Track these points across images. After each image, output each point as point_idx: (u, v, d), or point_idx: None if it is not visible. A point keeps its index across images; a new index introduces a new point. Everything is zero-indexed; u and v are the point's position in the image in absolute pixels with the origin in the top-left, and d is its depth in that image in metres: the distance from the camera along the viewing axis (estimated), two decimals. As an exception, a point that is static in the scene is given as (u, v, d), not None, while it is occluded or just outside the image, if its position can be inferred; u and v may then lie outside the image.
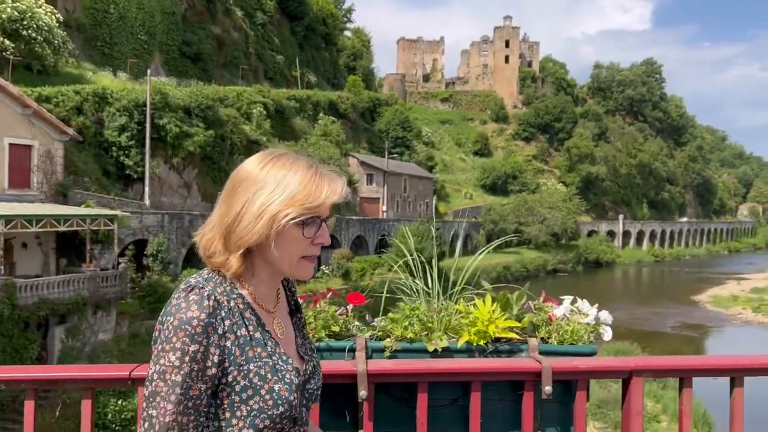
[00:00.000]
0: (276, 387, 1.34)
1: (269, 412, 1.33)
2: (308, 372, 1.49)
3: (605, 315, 2.12)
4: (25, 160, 20.94)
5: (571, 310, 2.15)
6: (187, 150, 38.17)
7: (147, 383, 1.30)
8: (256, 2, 64.67)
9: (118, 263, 22.31)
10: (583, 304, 2.17)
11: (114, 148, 34.66)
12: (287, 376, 1.37)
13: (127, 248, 27.31)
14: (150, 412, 1.27)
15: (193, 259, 30.85)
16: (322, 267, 40.53)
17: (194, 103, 39.59)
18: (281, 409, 1.34)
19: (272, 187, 1.35)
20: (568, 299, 2.18)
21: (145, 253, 28.36)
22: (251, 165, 1.40)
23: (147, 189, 34.31)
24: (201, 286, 1.35)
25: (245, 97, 49.35)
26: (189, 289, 1.34)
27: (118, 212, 21.34)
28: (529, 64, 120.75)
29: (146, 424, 1.28)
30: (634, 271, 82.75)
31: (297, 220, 1.35)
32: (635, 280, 77.39)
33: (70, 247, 22.33)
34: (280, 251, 1.37)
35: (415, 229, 48.44)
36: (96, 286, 19.97)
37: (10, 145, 21.10)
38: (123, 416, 15.92)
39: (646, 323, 42.28)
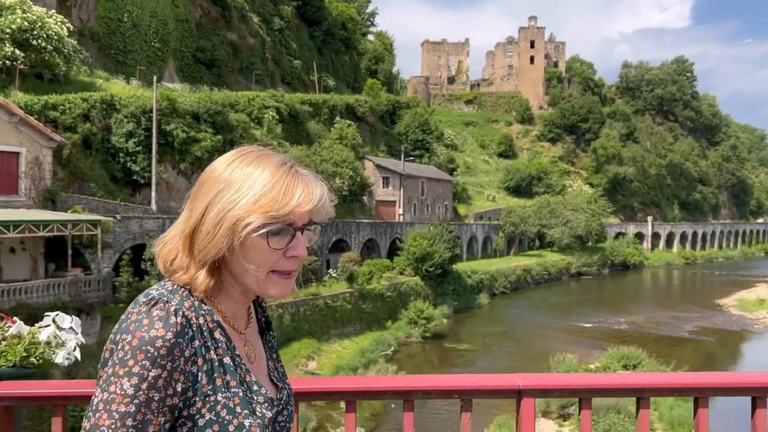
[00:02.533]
0: (246, 422, 1.13)
1: None
2: (282, 401, 1.28)
3: (67, 335, 1.87)
4: (13, 166, 21.35)
5: (47, 327, 1.91)
6: (194, 155, 38.61)
7: (89, 414, 1.06)
8: (274, 8, 65.16)
9: (104, 267, 22.57)
10: (63, 321, 1.91)
11: (121, 154, 35.26)
12: (258, 409, 1.17)
13: (125, 252, 27.64)
14: None
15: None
16: (329, 271, 40.38)
17: (202, 109, 40.02)
18: None
19: (236, 187, 1.14)
20: (50, 316, 1.93)
21: (143, 257, 28.65)
22: (218, 162, 1.21)
23: (154, 194, 34.78)
24: (166, 299, 1.13)
25: (257, 102, 49.65)
26: (151, 302, 1.12)
27: (101, 217, 21.56)
28: (555, 65, 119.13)
29: None
30: (663, 274, 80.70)
31: (261, 231, 1.13)
32: (662, 283, 75.45)
33: (59, 252, 22.67)
34: (245, 264, 1.16)
35: (427, 232, 48.03)
36: (77, 291, 20.21)
37: (-2, 151, 21.37)
38: None
39: (663, 327, 41.07)
